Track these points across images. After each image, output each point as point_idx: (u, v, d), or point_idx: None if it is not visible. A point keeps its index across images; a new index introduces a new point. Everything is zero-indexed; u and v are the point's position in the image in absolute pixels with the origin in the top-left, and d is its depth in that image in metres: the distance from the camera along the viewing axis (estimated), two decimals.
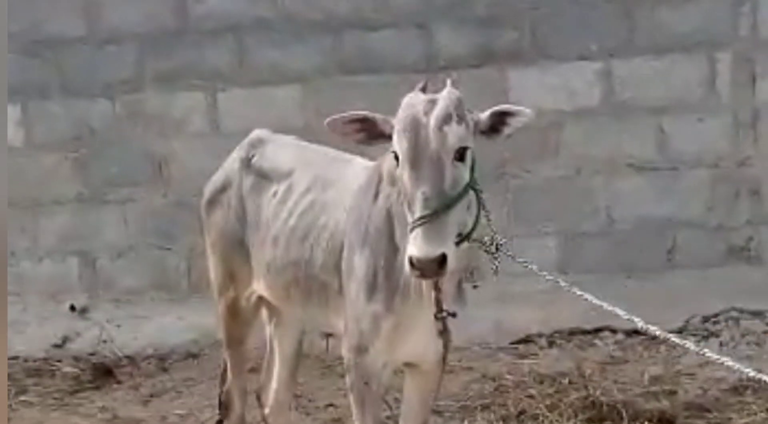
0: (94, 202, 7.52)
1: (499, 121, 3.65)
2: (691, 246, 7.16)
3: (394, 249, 3.71)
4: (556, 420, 5.39)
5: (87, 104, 7.44)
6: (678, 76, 7.12)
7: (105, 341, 7.06)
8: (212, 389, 6.32)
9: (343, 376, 6.02)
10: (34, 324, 7.28)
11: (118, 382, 6.72)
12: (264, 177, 4.50)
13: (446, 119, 3.44)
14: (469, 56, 7.20)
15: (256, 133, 4.76)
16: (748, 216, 7.13)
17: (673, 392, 5.89)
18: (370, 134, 3.62)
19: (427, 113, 3.44)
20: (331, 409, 5.99)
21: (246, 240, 4.51)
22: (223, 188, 4.67)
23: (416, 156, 3.39)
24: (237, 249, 4.56)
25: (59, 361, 6.97)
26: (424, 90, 3.58)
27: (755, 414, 5.59)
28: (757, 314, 6.66)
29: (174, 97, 7.42)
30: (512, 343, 6.64)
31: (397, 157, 3.46)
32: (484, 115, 3.63)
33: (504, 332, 6.65)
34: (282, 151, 4.59)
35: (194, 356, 6.87)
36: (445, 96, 3.51)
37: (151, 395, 6.49)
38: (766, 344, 6.51)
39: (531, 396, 5.70)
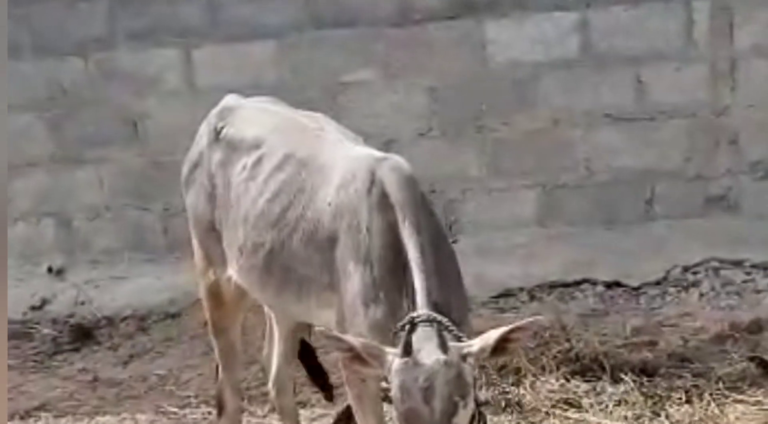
0: (68, 162, 7.45)
1: (505, 341, 3.39)
2: (669, 197, 7.14)
3: (398, 267, 3.56)
4: (539, 373, 5.38)
5: (59, 63, 7.35)
6: (655, 26, 7.06)
7: (83, 303, 7.03)
8: (192, 349, 6.34)
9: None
10: (11, 287, 7.15)
11: (97, 343, 6.71)
12: (233, 149, 4.29)
13: (452, 411, 3.22)
14: (445, 8, 7.12)
15: (225, 101, 4.56)
16: (726, 166, 7.11)
17: (654, 343, 5.91)
18: (362, 362, 3.37)
19: (428, 402, 3.20)
20: None
21: (217, 221, 4.34)
22: (195, 165, 4.49)
23: None
24: (209, 230, 4.39)
25: (37, 323, 6.94)
26: (408, 349, 3.26)
27: (736, 364, 5.61)
28: (736, 264, 6.67)
29: (147, 54, 7.33)
30: (493, 297, 6.62)
31: None
32: (485, 343, 3.35)
33: (484, 286, 6.63)
34: (251, 119, 4.38)
35: (173, 316, 6.84)
36: (444, 375, 3.23)
37: (131, 356, 6.48)
38: (745, 293, 6.52)
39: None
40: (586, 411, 5.11)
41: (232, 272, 4.34)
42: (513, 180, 7.15)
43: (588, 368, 5.48)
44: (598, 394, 5.22)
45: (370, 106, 7.12)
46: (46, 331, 6.85)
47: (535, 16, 7.10)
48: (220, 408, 4.78)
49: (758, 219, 6.98)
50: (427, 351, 3.27)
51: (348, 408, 5.20)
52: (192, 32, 7.29)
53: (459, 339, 3.37)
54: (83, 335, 6.76)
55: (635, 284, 6.68)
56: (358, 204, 3.72)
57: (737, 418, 5.04)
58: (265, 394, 5.47)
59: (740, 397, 5.24)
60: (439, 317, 3.35)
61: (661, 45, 7.07)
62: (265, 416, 5.51)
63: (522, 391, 5.29)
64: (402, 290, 3.54)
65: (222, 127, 4.38)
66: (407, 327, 3.31)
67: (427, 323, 3.33)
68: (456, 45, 7.17)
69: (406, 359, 3.25)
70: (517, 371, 5.45)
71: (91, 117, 7.39)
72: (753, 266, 6.66)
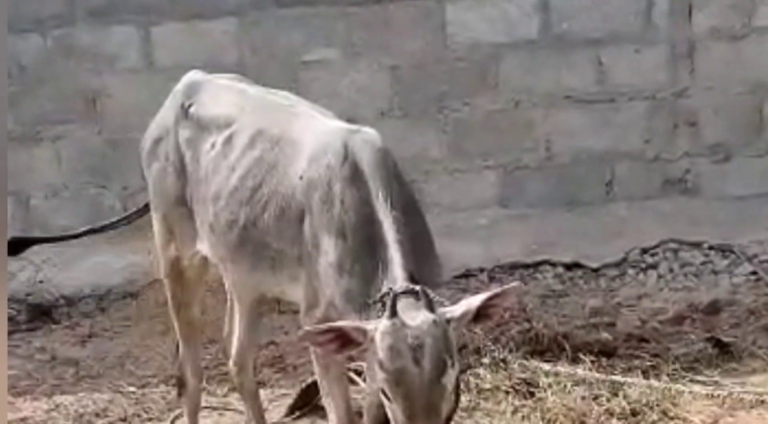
0: (26, 140, 7.38)
1: (486, 307, 3.40)
2: (629, 178, 7.18)
3: (372, 239, 3.57)
4: (499, 353, 5.39)
5: (17, 40, 7.26)
6: (615, 7, 7.08)
7: (41, 282, 6.98)
8: (151, 328, 6.33)
9: (282, 312, 6.03)
10: None
11: (56, 322, 6.68)
12: (202, 127, 4.28)
13: (442, 369, 3.22)
14: None
15: (190, 77, 4.54)
16: (685, 148, 7.15)
17: (612, 324, 5.95)
18: (344, 344, 3.36)
19: (418, 362, 3.20)
20: (272, 347, 5.98)
21: (187, 196, 4.33)
22: (159, 140, 4.47)
23: (413, 409, 3.20)
24: (177, 206, 4.38)
25: None
26: (394, 312, 3.25)
27: (693, 344, 5.66)
28: (695, 245, 6.72)
29: (106, 31, 7.26)
30: (454, 277, 6.63)
31: (385, 394, 3.26)
32: (467, 308, 3.37)
33: (445, 266, 6.57)
34: (219, 97, 4.37)
35: (132, 295, 6.82)
36: (433, 334, 3.23)
37: (89, 336, 6.46)
38: (704, 275, 6.58)
39: (473, 330, 5.70)
40: (545, 391, 5.14)
41: (202, 247, 4.33)
42: (474, 161, 7.15)
43: (547, 348, 5.52)
44: (557, 374, 5.24)
45: (331, 85, 7.10)
46: None
47: None
48: (181, 386, 4.78)
49: (716, 201, 7.03)
50: (414, 313, 3.28)
51: (308, 388, 5.22)
52: (151, 9, 7.23)
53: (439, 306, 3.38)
54: (41, 313, 6.73)
55: (594, 265, 6.72)
56: (330, 177, 3.72)
57: (694, 398, 5.09)
58: (225, 374, 5.48)
59: (697, 377, 5.29)
60: (418, 287, 3.36)
61: (621, 27, 7.09)
62: (225, 396, 5.52)
63: (482, 371, 5.30)
64: (376, 262, 3.54)
65: (190, 105, 4.36)
66: (390, 297, 3.31)
67: (407, 294, 3.35)
68: (417, 25, 7.15)
69: (393, 320, 3.25)
70: (477, 351, 5.47)
71: (49, 94, 7.32)
72: (711, 248, 6.72)
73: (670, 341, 5.71)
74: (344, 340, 3.35)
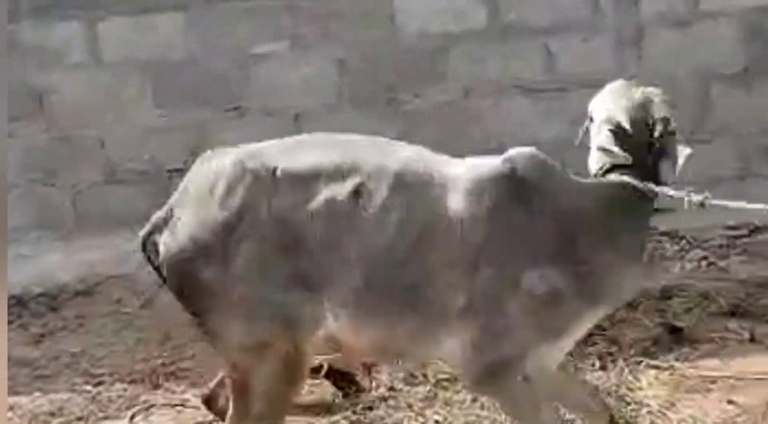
0: None
1: None
2: (579, 168, 7.19)
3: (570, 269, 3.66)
4: None
5: None
6: None
7: None
8: (105, 326, 6.27)
9: None
10: None
11: (8, 322, 6.58)
12: (304, 184, 3.66)
13: None
14: None
15: (242, 149, 3.84)
16: None
17: None
18: None
19: None
20: None
21: (309, 271, 3.64)
22: (235, 225, 3.65)
23: None
24: (290, 288, 3.63)
25: None
26: None
27: (648, 329, 5.70)
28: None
29: (51, 27, 7.19)
30: None
31: None
32: None
33: None
34: (309, 149, 3.80)
35: (84, 293, 6.75)
36: None
37: (42, 335, 6.39)
38: (655, 260, 6.61)
39: None
40: None
41: (335, 326, 3.70)
42: None
43: None
44: None
45: (280, 78, 7.08)
46: None
47: None
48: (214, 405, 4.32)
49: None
50: None
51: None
52: (97, 4, 7.16)
53: None
54: None
55: None
56: (491, 209, 3.70)
57: (650, 383, 5.13)
58: (183, 370, 5.45)
59: (653, 362, 5.33)
60: None
61: (568, 14, 7.12)
62: (183, 393, 5.48)
63: None
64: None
65: (275, 167, 3.70)
66: None
67: None
68: (365, 16, 7.14)
69: None
70: None
71: None
72: (662, 234, 6.75)
73: (624, 327, 5.73)
74: None
